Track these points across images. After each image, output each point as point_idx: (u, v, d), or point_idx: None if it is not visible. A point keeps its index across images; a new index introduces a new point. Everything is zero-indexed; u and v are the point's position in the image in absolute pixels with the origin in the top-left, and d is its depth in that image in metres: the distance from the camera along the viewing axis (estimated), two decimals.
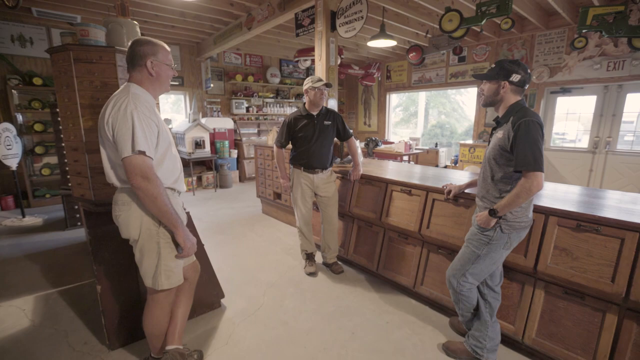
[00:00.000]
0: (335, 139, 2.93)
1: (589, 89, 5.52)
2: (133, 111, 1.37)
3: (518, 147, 1.49)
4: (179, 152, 6.43)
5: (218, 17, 5.25)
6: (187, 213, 2.19)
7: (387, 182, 2.66)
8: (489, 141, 1.75)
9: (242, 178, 7.27)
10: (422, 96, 9.90)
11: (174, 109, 7.90)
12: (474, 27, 5.19)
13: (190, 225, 2.24)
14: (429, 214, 2.34)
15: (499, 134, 1.62)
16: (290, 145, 2.90)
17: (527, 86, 1.63)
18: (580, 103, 5.71)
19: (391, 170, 3.12)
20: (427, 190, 2.37)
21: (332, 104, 3.77)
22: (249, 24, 4.93)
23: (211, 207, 5.32)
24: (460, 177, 2.72)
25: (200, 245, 2.34)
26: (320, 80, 2.65)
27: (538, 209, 1.78)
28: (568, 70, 5.58)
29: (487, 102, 1.72)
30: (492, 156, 1.65)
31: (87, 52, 1.96)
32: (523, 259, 1.83)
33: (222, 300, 2.54)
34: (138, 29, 2.33)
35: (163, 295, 1.61)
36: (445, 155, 7.30)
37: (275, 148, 2.90)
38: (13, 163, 4.47)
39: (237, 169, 7.19)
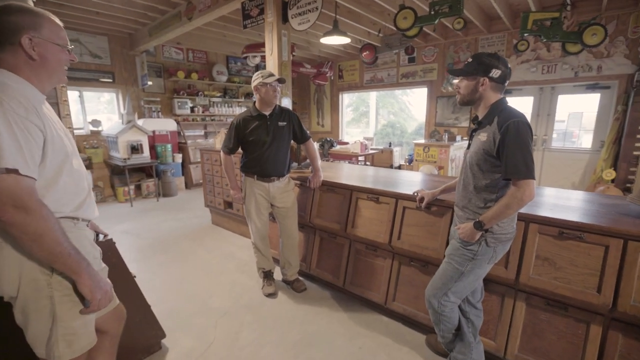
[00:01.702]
0: (292, 141, 2.62)
1: (527, 90, 5.88)
2: None
3: (507, 153, 1.32)
4: (112, 157, 5.65)
5: (152, 5, 4.62)
6: (109, 240, 1.73)
7: (352, 189, 2.42)
8: (469, 144, 1.57)
9: (189, 184, 6.61)
10: (372, 96, 9.98)
11: (108, 109, 6.91)
12: (425, 29, 5.26)
13: (114, 255, 1.77)
14: (399, 224, 2.13)
15: (482, 136, 1.44)
16: (241, 151, 2.52)
17: (507, 82, 1.48)
18: (520, 103, 6.07)
19: (353, 175, 2.89)
20: (397, 197, 2.16)
21: (287, 103, 3.45)
22: (189, 14, 4.39)
23: (152, 219, 4.68)
24: (424, 181, 2.58)
25: (130, 279, 1.87)
26: (271, 75, 2.31)
27: (518, 216, 1.65)
28: None
29: (464, 100, 1.54)
30: (475, 162, 1.47)
31: None
32: (504, 271, 1.70)
33: (164, 341, 2.09)
34: (31, 2, 1.79)
35: None
36: (399, 155, 7.37)
37: (222, 154, 2.51)
38: None
39: (183, 174, 6.51)
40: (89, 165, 5.55)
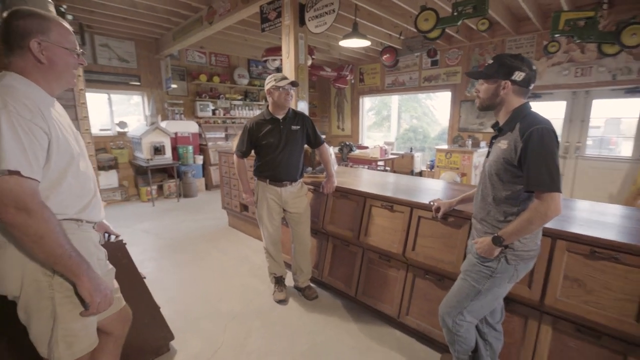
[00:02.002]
0: (306, 145, 2.58)
1: (558, 94, 5.56)
2: (0, 111, 0.94)
3: (530, 162, 1.21)
4: (136, 158, 5.84)
5: (175, 10, 4.74)
6: (119, 241, 1.74)
7: (366, 196, 2.34)
8: (488, 152, 1.46)
9: (209, 186, 6.72)
10: (394, 100, 9.81)
11: (138, 111, 7.14)
12: (448, 30, 5.09)
13: (124, 256, 1.78)
14: (414, 234, 2.03)
15: (502, 144, 1.33)
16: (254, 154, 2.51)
17: (532, 86, 1.36)
18: (550, 108, 5.75)
19: (369, 181, 2.80)
20: (412, 206, 2.06)
21: (303, 107, 3.42)
22: (210, 18, 4.47)
23: (172, 219, 4.78)
24: (444, 189, 2.45)
25: (139, 280, 1.88)
26: (284, 78, 2.28)
27: (543, 232, 1.51)
28: (538, 75, 5.59)
29: (484, 105, 1.43)
30: (495, 171, 1.36)
31: None
32: (527, 290, 1.56)
33: (172, 343, 2.09)
34: (52, 8, 1.85)
35: None
36: (420, 160, 7.17)
37: (235, 158, 2.50)
38: None
39: (203, 176, 6.63)
40: (114, 165, 5.76)
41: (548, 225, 1.50)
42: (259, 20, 3.87)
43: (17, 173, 0.94)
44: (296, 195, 2.48)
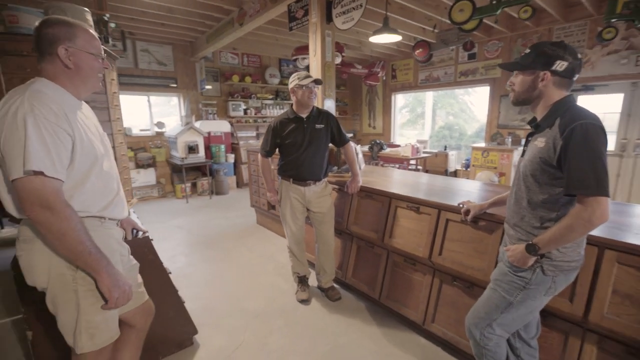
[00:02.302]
0: (331, 144, 2.53)
1: (615, 86, 5.02)
2: (27, 115, 0.99)
3: (571, 162, 1.07)
4: (172, 157, 6.13)
5: (209, 13, 4.89)
6: (146, 237, 1.81)
7: (391, 197, 2.24)
8: (524, 151, 1.32)
9: (240, 184, 6.90)
10: (429, 96, 9.43)
11: (177, 111, 7.48)
12: (486, 20, 4.77)
13: (150, 252, 1.84)
14: (441, 238, 1.91)
15: (539, 142, 1.20)
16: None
17: (576, 77, 1.21)
18: (604, 102, 5.21)
19: (396, 181, 2.70)
20: (439, 208, 1.94)
21: (329, 105, 3.37)
22: (241, 20, 4.56)
23: (204, 216, 4.95)
24: (477, 190, 2.29)
25: (165, 275, 1.94)
26: (308, 76, 2.25)
27: (588, 240, 1.35)
28: (591, 65, 5.09)
29: (519, 99, 1.30)
30: (530, 172, 1.22)
31: (15, 42, 1.59)
32: (568, 305, 1.40)
33: (196, 337, 2.15)
34: (89, 17, 1.95)
35: (90, 358, 1.22)
36: (455, 159, 6.84)
37: (260, 157, 2.51)
38: None
39: (235, 174, 6.82)
40: (152, 163, 6.08)
41: (594, 232, 1.35)
42: (287, 19, 3.88)
43: (41, 173, 0.99)
44: (320, 195, 2.44)
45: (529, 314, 1.33)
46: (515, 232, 1.31)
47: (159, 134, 6.40)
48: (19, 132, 0.97)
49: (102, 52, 1.26)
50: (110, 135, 1.95)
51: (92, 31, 1.22)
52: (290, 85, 2.30)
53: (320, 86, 2.31)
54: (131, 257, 1.47)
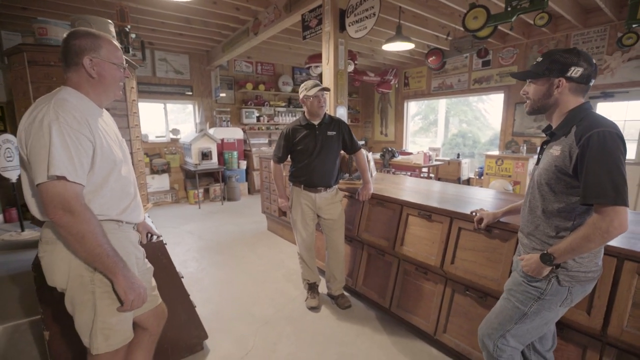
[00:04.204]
0: (343, 151, 2.54)
1: (636, 92, 4.88)
2: (52, 122, 1.04)
3: (589, 171, 1.05)
4: (186, 163, 6.26)
5: (225, 23, 5.03)
6: (160, 242, 1.85)
7: (402, 204, 2.23)
8: (538, 159, 1.30)
9: (252, 190, 6.97)
10: (442, 104, 9.36)
11: (192, 119, 7.64)
12: (501, 27, 4.74)
13: (164, 257, 1.88)
14: (453, 246, 1.88)
15: (555, 150, 1.18)
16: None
17: (592, 83, 1.19)
18: (625, 109, 5.07)
19: (408, 189, 2.68)
20: (452, 216, 1.92)
21: (342, 113, 3.39)
22: (256, 29, 4.66)
23: (215, 222, 5.02)
24: (490, 199, 2.25)
25: (177, 280, 1.98)
26: (316, 85, 2.28)
27: (607, 250, 1.31)
28: (610, 72, 4.98)
29: (534, 108, 1.28)
30: (545, 180, 1.20)
31: (43, 53, 1.68)
32: (585, 317, 1.36)
33: (206, 342, 2.16)
34: (112, 28, 2.04)
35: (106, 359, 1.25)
36: (468, 167, 6.74)
37: (272, 163, 2.54)
38: (13, 175, 4.34)
39: (247, 180, 6.90)
40: (167, 169, 6.22)
41: (613, 242, 1.31)
42: (301, 28, 3.95)
43: (64, 178, 1.04)
44: (330, 202, 2.45)
45: (544, 326, 1.29)
46: (530, 241, 1.29)
47: (174, 141, 6.55)
48: (44, 139, 1.02)
49: (124, 62, 1.32)
50: (128, 141, 2.02)
51: (116, 42, 1.28)
52: (300, 96, 2.34)
53: (328, 93, 2.33)
54: (146, 260, 1.50)
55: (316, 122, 2.36)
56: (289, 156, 2.49)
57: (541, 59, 1.23)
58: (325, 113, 2.42)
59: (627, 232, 1.44)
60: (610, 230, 1.01)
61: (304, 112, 2.42)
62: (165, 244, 1.90)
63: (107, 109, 1.94)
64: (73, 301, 1.18)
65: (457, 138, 10.44)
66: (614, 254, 1.31)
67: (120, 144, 1.37)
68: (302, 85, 2.34)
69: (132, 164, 2.10)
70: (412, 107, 8.72)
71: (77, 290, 1.16)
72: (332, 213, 2.45)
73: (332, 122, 2.42)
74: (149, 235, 1.84)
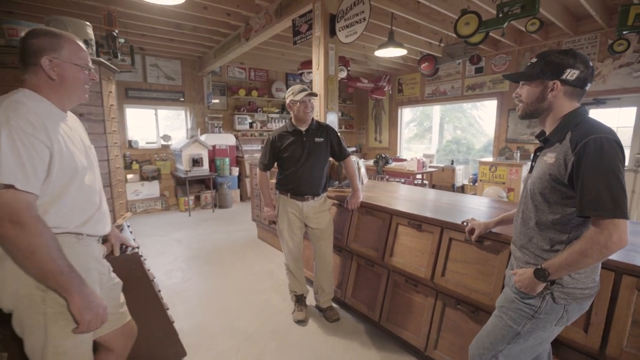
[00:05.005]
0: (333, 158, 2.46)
1: (628, 99, 4.88)
2: (1, 127, 0.95)
3: (585, 180, 0.97)
4: (177, 169, 6.14)
5: (216, 29, 4.97)
6: (135, 254, 1.74)
7: (392, 213, 2.15)
8: (531, 167, 1.23)
9: (244, 197, 6.86)
10: (436, 110, 9.38)
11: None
12: (492, 34, 4.73)
13: (139, 269, 1.77)
14: (444, 258, 1.80)
15: (549, 157, 1.10)
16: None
17: (588, 86, 1.12)
18: (617, 116, 5.06)
19: (398, 197, 2.60)
20: (442, 226, 1.84)
21: (332, 119, 3.33)
22: (247, 35, 4.61)
23: (205, 230, 4.89)
24: (483, 207, 2.18)
25: (153, 293, 1.86)
26: (303, 90, 2.20)
27: (604, 264, 1.23)
28: (602, 79, 4.98)
29: (527, 112, 1.21)
30: (539, 190, 1.12)
31: (13, 55, 1.59)
32: (582, 335, 1.27)
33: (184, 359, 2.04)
34: (90, 30, 1.96)
35: None
36: (462, 174, 6.70)
37: (258, 171, 2.45)
38: None
39: (239, 187, 6.79)
40: (157, 176, 6.09)
41: (611, 256, 1.22)
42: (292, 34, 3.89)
43: (12, 187, 0.94)
44: (318, 210, 2.36)
45: (538, 346, 1.20)
46: (523, 255, 1.21)
47: (165, 147, 6.44)
48: None
49: (89, 63, 1.23)
50: (104, 147, 1.92)
51: (79, 42, 1.20)
52: (286, 101, 2.26)
53: (316, 98, 2.25)
54: (113, 275, 1.40)
55: (303, 128, 2.28)
56: (276, 163, 2.40)
57: (536, 59, 1.17)
58: (313, 119, 2.34)
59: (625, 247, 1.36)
60: (609, 245, 0.93)
61: (290, 118, 2.35)
62: (141, 255, 1.80)
63: (82, 114, 1.86)
64: (22, 323, 1.07)
65: (451, 144, 10.44)
66: (612, 268, 1.23)
67: (87, 150, 1.28)
68: (288, 90, 2.26)
69: (109, 172, 2.01)
70: (407, 114, 8.71)
71: (26, 311, 1.05)
72: (320, 222, 2.36)
73: (320, 128, 2.35)
74: (124, 247, 1.74)
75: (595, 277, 1.11)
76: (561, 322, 1.13)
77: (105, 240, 1.69)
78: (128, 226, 2.30)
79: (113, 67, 2.02)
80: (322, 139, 2.32)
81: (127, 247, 1.75)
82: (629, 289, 1.20)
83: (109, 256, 1.68)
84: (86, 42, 1.86)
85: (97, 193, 1.26)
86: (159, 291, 1.93)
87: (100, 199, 1.27)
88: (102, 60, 1.82)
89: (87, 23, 1.96)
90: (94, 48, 1.92)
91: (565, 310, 1.11)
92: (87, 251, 1.20)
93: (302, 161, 2.26)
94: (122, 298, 1.44)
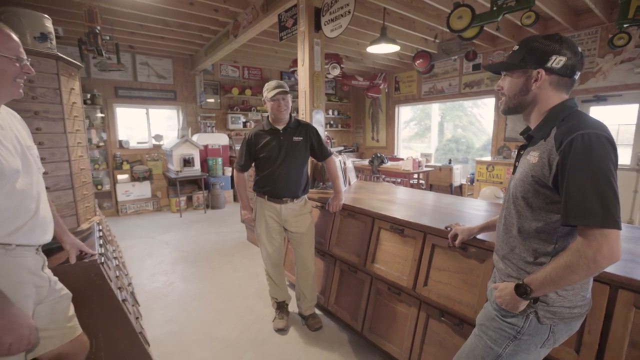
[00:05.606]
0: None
1: (629, 96, 4.72)
2: None
3: (570, 183, 0.84)
4: (168, 170, 6.03)
5: (205, 26, 4.85)
6: (93, 262, 1.62)
7: (374, 217, 2.02)
8: (515, 168, 1.10)
9: (237, 197, 6.73)
10: (435, 108, 9.22)
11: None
12: (488, 29, 4.58)
13: (99, 277, 1.65)
14: (426, 266, 1.67)
15: (532, 156, 0.97)
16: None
17: (577, 75, 0.98)
18: (618, 113, 4.90)
19: (385, 199, 2.47)
20: (425, 231, 1.70)
21: (318, 118, 3.19)
22: (235, 32, 4.49)
23: (195, 231, 4.78)
24: (475, 210, 2.04)
25: (116, 302, 1.74)
26: (277, 87, 2.07)
27: (598, 276, 1.09)
28: (602, 75, 4.81)
29: (509, 106, 1.07)
30: (521, 194, 0.99)
31: None
32: (574, 356, 1.14)
33: None
34: (49, 24, 1.83)
35: None
36: (460, 173, 6.55)
37: (234, 172, 2.33)
38: None
39: (232, 187, 6.67)
40: (149, 176, 5.98)
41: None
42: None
43: None
44: (297, 214, 2.23)
45: None
46: (505, 266, 1.07)
47: (157, 147, 6.33)
48: None
49: (22, 55, 1.10)
50: (65, 148, 1.80)
51: (9, 31, 1.07)
52: (263, 98, 2.14)
53: (289, 95, 2.12)
54: (59, 286, 1.28)
55: (280, 127, 2.15)
56: (253, 164, 2.28)
57: (517, 46, 1.03)
58: (292, 117, 2.21)
59: (622, 253, 1.22)
60: (598, 259, 0.80)
61: (267, 117, 2.22)
62: (101, 262, 1.67)
63: (37, 113, 1.73)
64: None
65: (450, 143, 10.28)
66: (606, 281, 1.10)
67: (24, 150, 1.16)
68: (265, 85, 2.14)
69: (71, 174, 1.89)
70: (407, 112, 8.57)
71: None
72: (300, 226, 2.23)
73: (299, 126, 2.22)
74: (84, 254, 1.63)
75: (585, 294, 0.97)
76: (547, 344, 1.00)
77: (60, 248, 1.58)
78: (100, 230, 2.18)
79: (75, 62, 1.89)
80: (301, 138, 2.19)
81: (85, 254, 1.63)
82: (626, 305, 1.06)
83: (63, 264, 1.57)
84: (44, 35, 1.74)
85: (34, 199, 1.14)
86: (124, 300, 1.81)
87: (37, 205, 1.15)
88: (60, 54, 1.70)
89: (46, 16, 1.83)
90: (53, 42, 1.79)
91: (551, 332, 0.98)
92: (18, 263, 1.07)
93: (279, 162, 2.13)
94: (72, 311, 1.32)
